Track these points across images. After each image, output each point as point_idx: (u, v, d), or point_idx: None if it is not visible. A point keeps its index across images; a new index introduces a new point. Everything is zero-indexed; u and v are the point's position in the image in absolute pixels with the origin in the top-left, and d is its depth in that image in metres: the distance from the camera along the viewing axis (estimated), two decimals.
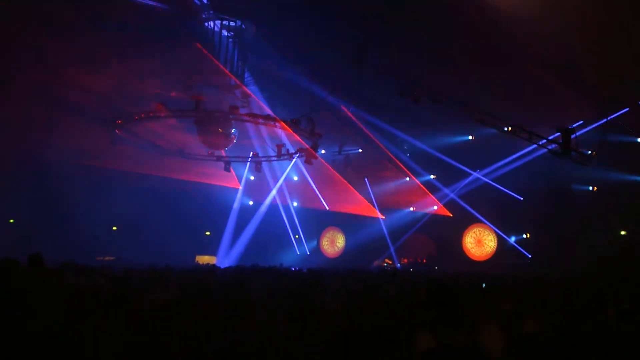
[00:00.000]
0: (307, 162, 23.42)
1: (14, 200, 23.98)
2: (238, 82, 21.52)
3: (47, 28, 17.49)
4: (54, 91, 20.59)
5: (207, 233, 32.24)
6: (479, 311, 5.18)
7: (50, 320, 4.28)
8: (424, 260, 29.59)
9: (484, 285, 10.26)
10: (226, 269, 16.33)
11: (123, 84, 20.51)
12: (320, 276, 11.79)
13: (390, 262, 29.87)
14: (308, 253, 33.57)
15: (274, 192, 32.21)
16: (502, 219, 27.38)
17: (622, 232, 23.45)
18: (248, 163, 29.58)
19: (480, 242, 29.05)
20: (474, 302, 6.83)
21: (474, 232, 29.26)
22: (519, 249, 26.77)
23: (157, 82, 20.97)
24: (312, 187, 31.15)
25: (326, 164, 28.22)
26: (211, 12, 19.99)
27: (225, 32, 20.72)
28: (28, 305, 4.66)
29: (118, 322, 4.25)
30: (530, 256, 26.12)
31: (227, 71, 20.93)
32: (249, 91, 22.06)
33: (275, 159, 25.32)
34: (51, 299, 5.18)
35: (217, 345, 4.04)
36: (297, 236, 33.47)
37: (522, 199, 26.07)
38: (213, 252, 30.87)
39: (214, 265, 18.71)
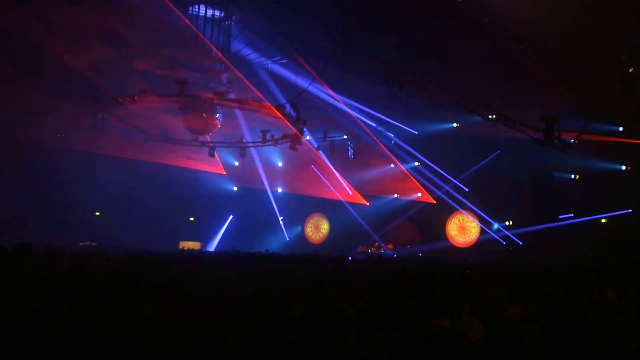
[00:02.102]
0: (292, 148, 23.38)
1: None
2: (223, 66, 21.38)
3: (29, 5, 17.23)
4: (35, 72, 20.28)
5: (191, 219, 32.13)
6: (462, 298, 5.23)
7: (34, 309, 4.24)
8: (408, 246, 29.82)
9: (467, 271, 10.36)
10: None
11: (106, 65, 20.25)
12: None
13: (375, 249, 29.99)
14: (287, 239, 33.59)
15: (258, 177, 32.12)
16: (485, 206, 27.59)
17: (603, 220, 23.75)
18: (232, 148, 29.44)
19: (463, 229, 29.28)
20: (457, 289, 6.90)
21: (458, 219, 29.47)
22: (501, 236, 27.03)
23: (141, 66, 20.72)
24: (296, 173, 31.18)
25: (312, 149, 28.23)
26: None
27: (210, 17, 20.53)
28: (14, 296, 4.61)
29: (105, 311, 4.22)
30: (512, 243, 26.39)
31: (212, 56, 20.77)
32: (235, 75, 21.92)
33: (260, 144, 25.22)
34: (38, 289, 5.12)
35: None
36: (281, 218, 33.43)
37: (505, 186, 26.27)
38: (197, 238, 30.80)
39: (200, 251, 18.79)
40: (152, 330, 4.04)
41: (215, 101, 21.14)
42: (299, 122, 21.59)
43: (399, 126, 27.51)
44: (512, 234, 26.53)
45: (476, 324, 4.72)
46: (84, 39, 18.80)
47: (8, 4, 16.93)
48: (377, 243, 30.57)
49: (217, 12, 20.61)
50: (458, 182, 27.93)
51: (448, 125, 26.14)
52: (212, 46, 20.67)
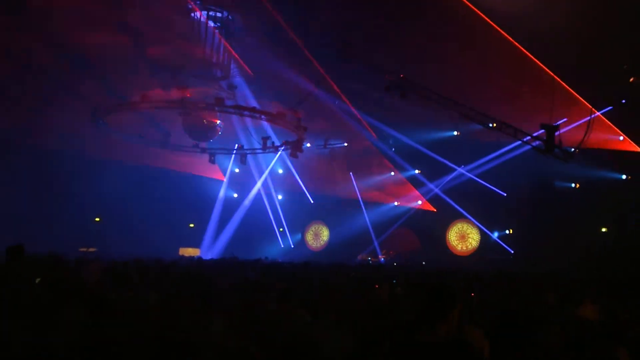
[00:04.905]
0: (292, 155, 23.39)
1: None
2: (224, 73, 21.39)
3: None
4: (36, 74, 20.31)
5: (191, 225, 32.06)
6: (462, 307, 5.18)
7: (26, 315, 4.19)
8: (406, 255, 29.75)
9: (465, 280, 10.32)
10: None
11: (108, 72, 20.27)
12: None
13: (375, 257, 29.86)
14: (292, 246, 33.51)
15: (258, 184, 32.11)
16: (485, 215, 27.55)
17: (603, 229, 23.69)
18: (233, 155, 29.42)
19: (463, 237, 29.23)
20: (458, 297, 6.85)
21: (458, 227, 29.43)
22: (501, 245, 26.97)
23: (143, 72, 20.73)
24: (297, 179, 31.16)
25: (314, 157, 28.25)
26: (197, 2, 19.81)
27: (211, 23, 20.54)
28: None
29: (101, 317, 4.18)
30: (512, 252, 26.34)
31: (213, 62, 20.78)
32: (235, 81, 21.94)
33: (261, 151, 25.22)
34: (27, 293, 5.07)
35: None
36: (281, 229, 33.37)
37: (505, 194, 26.24)
38: (196, 245, 30.73)
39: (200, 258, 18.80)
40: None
41: (216, 107, 21.13)
42: (300, 129, 21.61)
43: (399, 134, 27.49)
44: (512, 243, 26.47)
45: (476, 334, 4.67)
46: (83, 41, 18.81)
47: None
48: (379, 254, 30.46)
49: (218, 17, 20.62)
50: (459, 190, 27.88)
51: (449, 133, 26.15)
52: (213, 53, 20.68)
